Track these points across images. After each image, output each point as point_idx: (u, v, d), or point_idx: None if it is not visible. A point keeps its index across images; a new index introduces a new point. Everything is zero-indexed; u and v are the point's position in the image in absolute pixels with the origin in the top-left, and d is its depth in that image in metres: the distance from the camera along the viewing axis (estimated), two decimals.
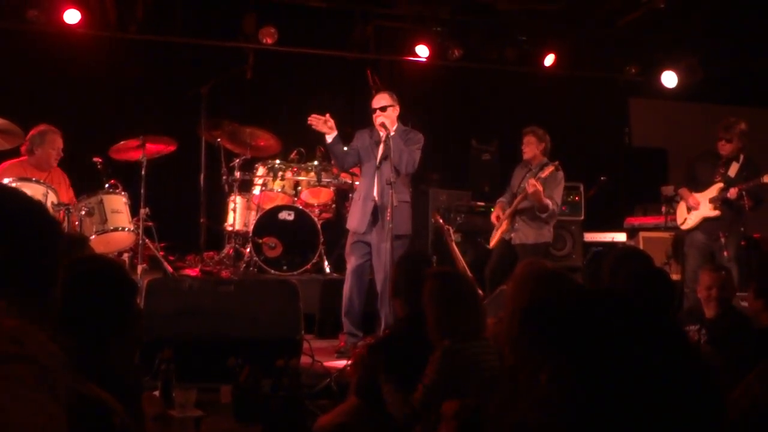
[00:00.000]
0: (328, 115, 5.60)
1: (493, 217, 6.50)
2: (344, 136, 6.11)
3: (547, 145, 6.43)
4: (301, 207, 6.78)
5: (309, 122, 5.61)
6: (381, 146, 5.61)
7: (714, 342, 3.75)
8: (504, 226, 6.31)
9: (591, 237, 8.10)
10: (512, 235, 6.25)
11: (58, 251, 1.45)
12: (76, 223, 5.60)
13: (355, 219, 5.68)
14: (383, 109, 5.58)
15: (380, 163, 5.58)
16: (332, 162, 7.12)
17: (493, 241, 6.48)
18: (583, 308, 1.15)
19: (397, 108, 5.64)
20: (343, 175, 6.85)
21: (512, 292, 2.51)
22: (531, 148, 6.41)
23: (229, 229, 6.97)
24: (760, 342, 3.30)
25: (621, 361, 1.05)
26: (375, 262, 5.55)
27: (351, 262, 5.65)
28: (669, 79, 9.05)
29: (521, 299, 2.36)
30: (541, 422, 1.10)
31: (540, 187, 5.91)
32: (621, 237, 8.14)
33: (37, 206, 1.47)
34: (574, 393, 1.06)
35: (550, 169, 6.13)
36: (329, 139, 5.65)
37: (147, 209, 6.12)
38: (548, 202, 6.04)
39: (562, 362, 1.09)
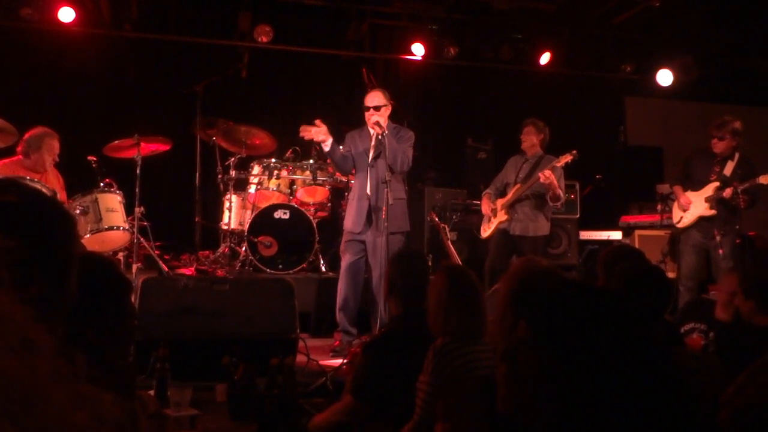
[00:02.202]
0: (318, 120, 5.54)
1: (485, 209, 6.47)
2: (340, 135, 6.11)
3: (545, 137, 6.45)
4: (296, 206, 6.76)
5: (300, 134, 5.56)
6: (373, 144, 5.62)
7: (724, 346, 3.68)
8: (501, 216, 6.29)
9: (586, 235, 8.12)
10: (512, 225, 6.24)
11: (72, 245, 1.43)
12: None
13: (351, 219, 5.70)
14: (377, 108, 5.58)
15: (374, 161, 5.59)
16: (328, 161, 7.14)
17: (487, 232, 6.46)
18: (564, 299, 1.17)
19: (390, 107, 5.65)
20: (338, 173, 6.85)
21: (506, 291, 2.50)
22: (530, 138, 6.43)
23: (225, 227, 6.96)
24: (756, 342, 3.28)
25: (591, 353, 1.07)
26: (371, 259, 5.56)
27: (345, 260, 5.66)
28: (664, 77, 9.07)
29: None
30: (517, 403, 1.12)
31: (554, 178, 5.95)
32: (616, 235, 8.15)
33: (51, 200, 1.47)
34: (545, 380, 1.08)
35: (567, 158, 6.10)
36: (327, 147, 5.60)
37: (142, 208, 6.11)
38: (560, 191, 6.11)
39: (537, 346, 1.11)
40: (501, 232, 6.30)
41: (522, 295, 1.23)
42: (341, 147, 5.73)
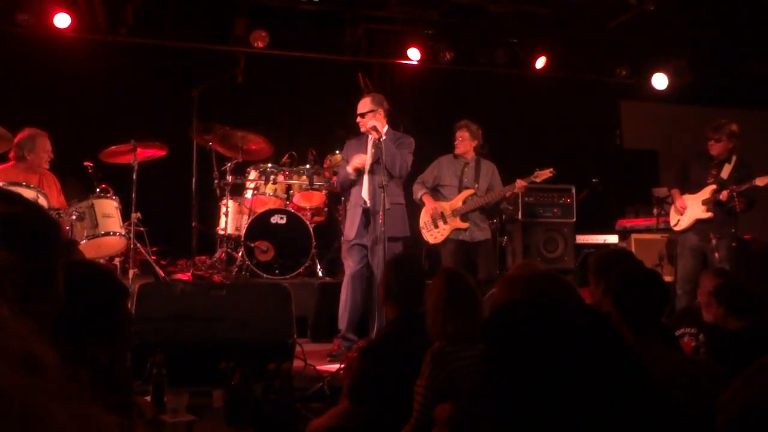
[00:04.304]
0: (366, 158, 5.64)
1: (435, 210, 6.22)
2: (336, 140, 6.13)
3: (479, 141, 6.40)
4: (293, 211, 6.76)
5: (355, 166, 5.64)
6: (370, 150, 5.63)
7: (714, 349, 3.71)
8: (457, 223, 6.17)
9: (583, 239, 8.12)
10: (469, 233, 6.17)
11: (55, 251, 1.43)
12: (67, 227, 5.57)
13: (347, 225, 5.73)
14: (362, 115, 5.63)
15: (372, 166, 5.60)
16: (324, 165, 7.14)
17: (438, 238, 6.25)
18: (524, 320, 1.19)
19: (380, 112, 5.64)
20: (334, 178, 6.86)
21: (504, 294, 2.50)
22: (465, 144, 6.35)
23: (221, 233, 6.96)
24: (734, 345, 3.30)
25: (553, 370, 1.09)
26: (373, 264, 5.56)
27: (349, 267, 5.64)
28: (659, 81, 9.10)
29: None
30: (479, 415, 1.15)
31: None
32: (613, 239, 8.16)
33: (33, 207, 1.46)
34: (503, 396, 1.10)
35: (546, 174, 6.20)
36: (352, 176, 5.67)
37: (138, 213, 6.10)
38: None
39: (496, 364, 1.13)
40: (456, 241, 6.19)
41: (488, 320, 1.25)
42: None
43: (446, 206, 6.24)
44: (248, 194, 6.95)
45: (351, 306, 5.57)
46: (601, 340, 1.17)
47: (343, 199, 6.73)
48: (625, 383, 1.12)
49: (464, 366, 2.71)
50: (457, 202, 6.23)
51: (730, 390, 1.96)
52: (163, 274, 6.32)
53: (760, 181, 5.75)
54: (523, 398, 1.09)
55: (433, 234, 6.27)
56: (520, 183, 6.13)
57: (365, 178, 5.64)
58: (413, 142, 5.73)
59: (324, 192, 7.07)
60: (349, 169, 5.65)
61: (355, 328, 5.59)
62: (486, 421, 1.13)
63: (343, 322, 5.58)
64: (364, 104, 5.69)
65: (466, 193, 6.23)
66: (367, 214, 5.57)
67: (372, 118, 5.59)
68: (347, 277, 5.65)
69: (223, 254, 6.91)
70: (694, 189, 6.13)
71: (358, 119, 5.67)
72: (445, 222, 6.21)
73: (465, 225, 6.17)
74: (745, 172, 5.92)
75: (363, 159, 5.60)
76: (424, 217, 6.32)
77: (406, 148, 5.64)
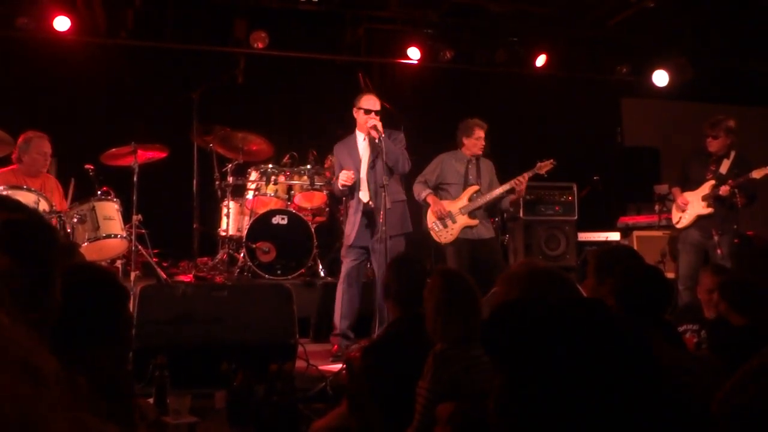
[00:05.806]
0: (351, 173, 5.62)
1: (441, 210, 6.11)
2: (336, 139, 6.12)
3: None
4: (294, 211, 6.76)
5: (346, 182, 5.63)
6: (368, 150, 5.63)
7: (715, 344, 3.72)
8: (467, 221, 6.12)
9: (585, 237, 8.12)
10: (477, 230, 6.13)
11: (54, 258, 1.43)
12: (69, 230, 5.57)
13: (349, 229, 5.73)
14: (378, 112, 5.61)
15: (373, 164, 5.59)
16: (325, 165, 7.14)
17: (448, 238, 6.17)
18: (532, 319, 1.17)
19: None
20: (335, 179, 6.85)
21: (504, 292, 2.49)
22: (481, 141, 6.27)
23: (223, 234, 6.96)
24: (736, 341, 3.31)
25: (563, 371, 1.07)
26: (375, 263, 5.57)
27: (345, 265, 5.68)
28: (660, 78, 9.09)
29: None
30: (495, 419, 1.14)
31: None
32: (615, 236, 8.16)
33: (33, 214, 1.46)
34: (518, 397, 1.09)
35: (548, 165, 6.16)
36: (346, 189, 5.71)
37: (139, 216, 6.10)
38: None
39: (509, 368, 1.12)
40: (464, 240, 6.13)
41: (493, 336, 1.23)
42: (332, 158, 5.80)
43: (452, 205, 6.20)
44: (249, 195, 6.95)
45: (347, 303, 5.58)
46: (611, 334, 1.14)
47: (344, 199, 6.73)
48: (639, 378, 1.09)
49: (466, 367, 2.70)
50: (463, 200, 6.22)
51: (729, 386, 1.95)
52: (164, 276, 6.32)
53: (757, 173, 5.76)
54: (530, 402, 1.08)
55: (443, 234, 6.18)
56: (520, 184, 6.10)
57: (363, 180, 5.65)
58: (404, 135, 5.77)
59: (325, 192, 7.07)
60: (339, 185, 5.67)
61: (352, 325, 5.60)
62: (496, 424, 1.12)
63: (339, 320, 5.58)
64: (376, 102, 5.68)
65: (471, 189, 6.20)
66: (369, 216, 5.57)
67: (378, 116, 5.61)
68: (344, 274, 5.67)
69: (225, 255, 6.91)
70: (694, 186, 6.14)
71: (372, 115, 5.58)
72: (454, 221, 6.15)
73: (474, 222, 6.12)
74: (745, 167, 5.93)
75: (349, 176, 5.59)
76: (432, 218, 6.22)
77: (400, 143, 5.67)
